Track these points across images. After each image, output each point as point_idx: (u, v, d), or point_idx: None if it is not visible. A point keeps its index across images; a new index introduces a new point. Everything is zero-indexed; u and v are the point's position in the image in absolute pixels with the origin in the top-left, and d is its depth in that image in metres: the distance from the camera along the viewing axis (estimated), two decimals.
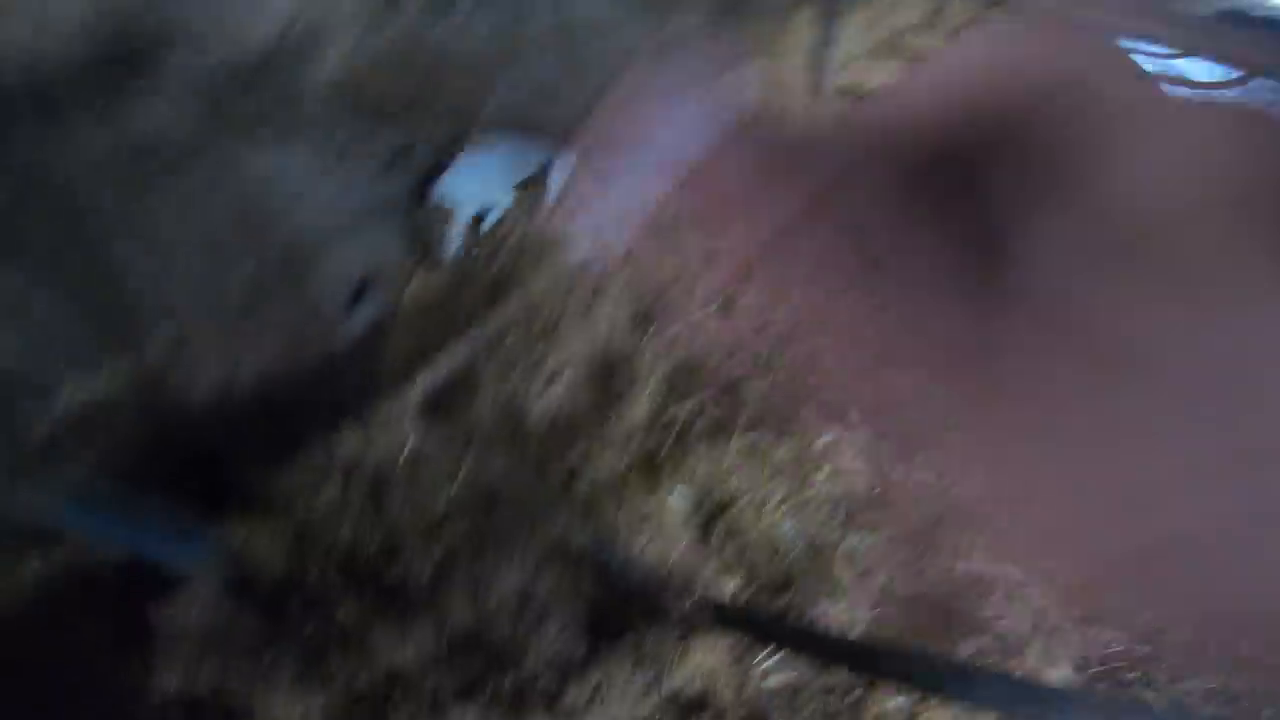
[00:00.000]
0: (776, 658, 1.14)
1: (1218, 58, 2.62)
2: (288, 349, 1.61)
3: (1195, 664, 1.28)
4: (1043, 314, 1.70)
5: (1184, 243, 1.84)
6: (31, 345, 1.26)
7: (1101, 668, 1.24)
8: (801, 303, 1.75)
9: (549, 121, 1.98)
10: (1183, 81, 2.55)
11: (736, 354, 1.66)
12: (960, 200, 1.98)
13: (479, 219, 1.84)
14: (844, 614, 1.23)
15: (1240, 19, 2.89)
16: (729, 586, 1.25)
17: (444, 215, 1.77)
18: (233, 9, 1.54)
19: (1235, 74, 2.60)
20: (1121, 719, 0.94)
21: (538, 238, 1.84)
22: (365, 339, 1.72)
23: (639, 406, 1.55)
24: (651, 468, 1.45)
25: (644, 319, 1.72)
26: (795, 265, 1.85)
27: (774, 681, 1.14)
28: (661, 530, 1.32)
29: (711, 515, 1.36)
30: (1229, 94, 2.51)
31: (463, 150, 1.84)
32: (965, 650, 1.20)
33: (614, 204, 1.96)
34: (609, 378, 1.65)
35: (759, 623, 1.22)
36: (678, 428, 1.49)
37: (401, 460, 1.36)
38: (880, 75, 2.41)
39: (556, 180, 1.90)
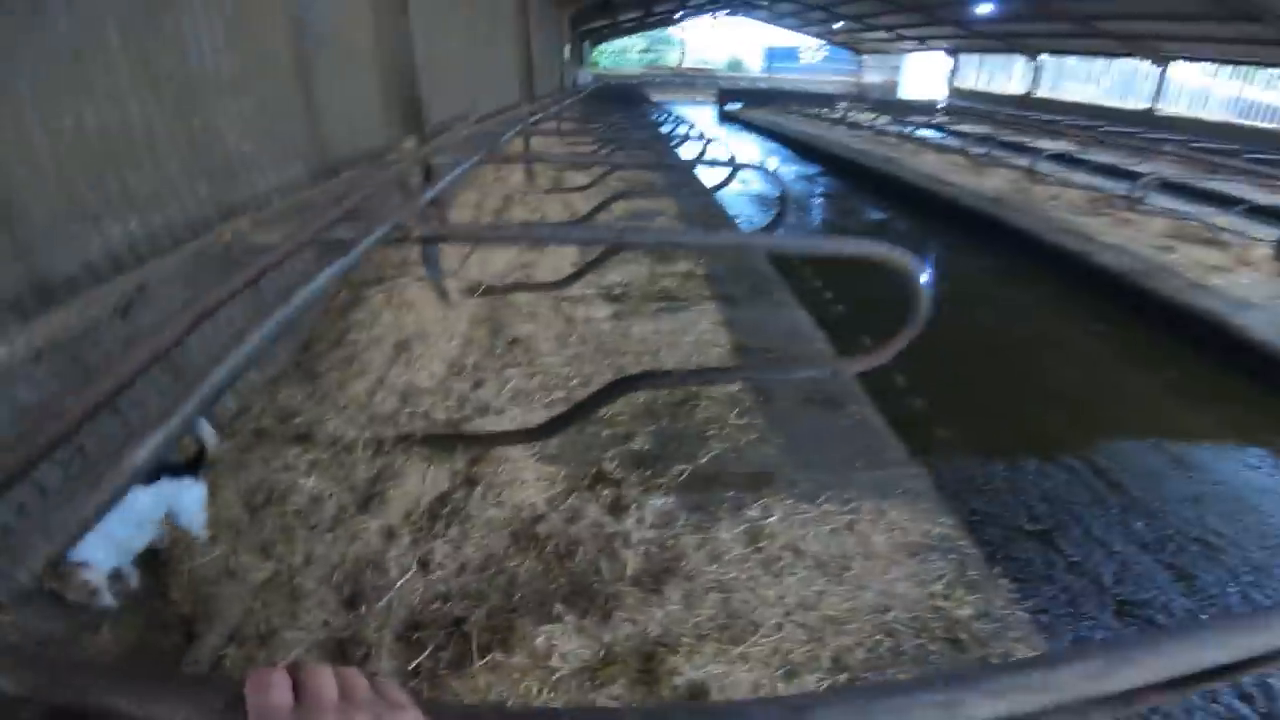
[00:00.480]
0: None
1: None
2: None
3: None
4: None
5: None
6: None
7: None
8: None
9: None
10: None
11: (448, 601, 2.02)
12: None
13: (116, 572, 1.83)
14: None
15: None
16: None
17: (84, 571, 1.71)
18: None
19: None
20: None
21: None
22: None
23: (381, 670, 1.74)
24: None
25: (349, 604, 1.97)
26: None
27: None
28: None
29: None
30: None
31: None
32: None
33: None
34: (343, 653, 1.80)
35: None
36: (425, 671, 1.74)
37: None
38: None
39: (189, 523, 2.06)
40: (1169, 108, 17.05)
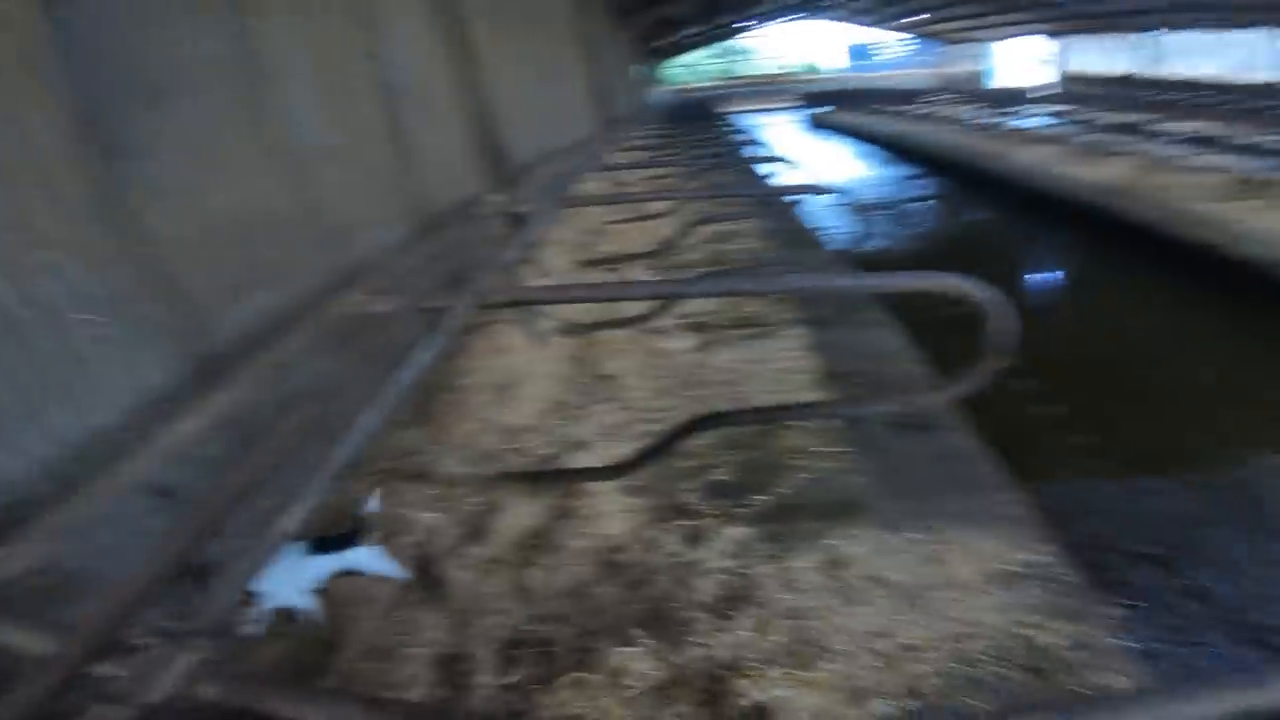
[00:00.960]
0: None
1: None
2: None
3: None
4: None
5: None
6: None
7: None
8: None
9: None
10: None
11: (543, 622, 2.25)
12: None
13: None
14: None
15: None
16: None
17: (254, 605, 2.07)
18: None
19: None
20: None
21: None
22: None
23: (485, 682, 2.00)
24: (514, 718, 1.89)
25: (459, 625, 2.24)
26: None
27: None
28: None
29: None
30: None
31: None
32: None
33: None
34: (450, 670, 2.07)
35: None
36: (520, 687, 1.99)
37: None
38: None
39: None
40: None
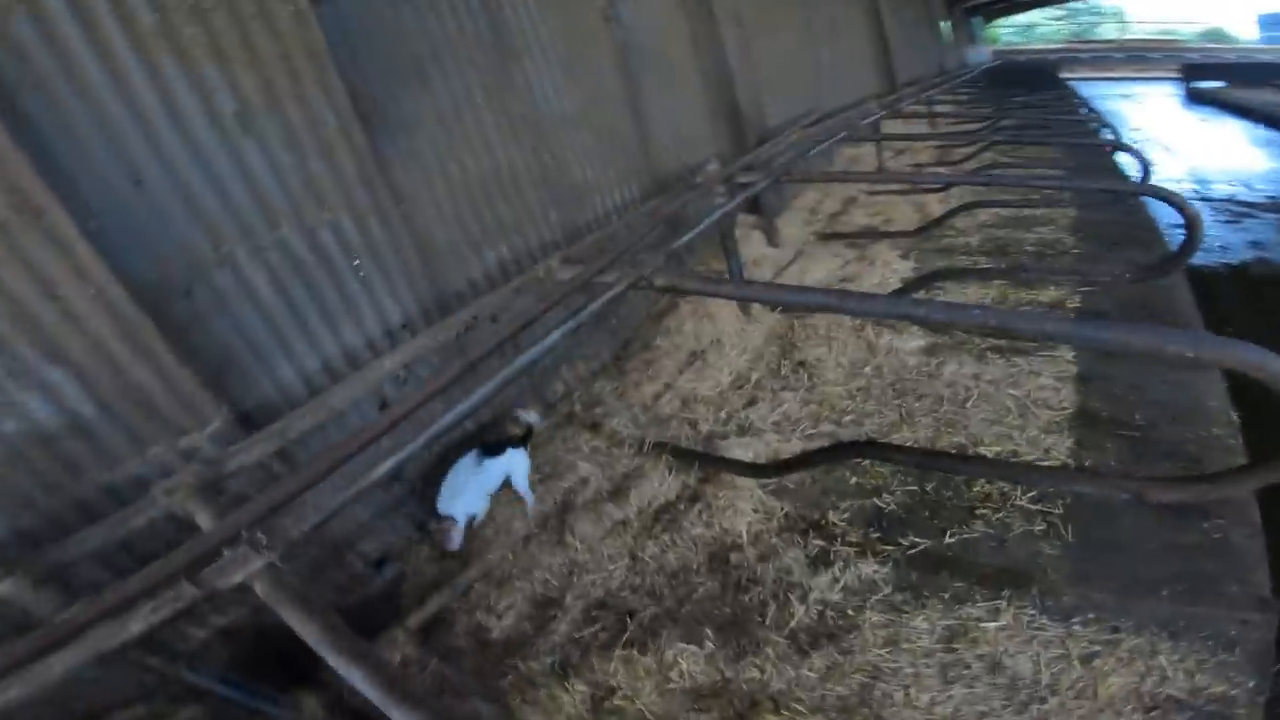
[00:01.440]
0: None
1: None
2: (339, 594, 2.40)
3: None
4: None
5: None
6: None
7: None
8: None
9: None
10: None
11: (635, 592, 2.42)
12: None
13: (471, 521, 2.75)
14: None
15: None
16: None
17: (449, 524, 2.64)
18: None
19: None
20: None
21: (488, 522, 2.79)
22: (387, 589, 2.51)
23: (564, 629, 2.28)
24: (565, 669, 2.13)
25: (569, 572, 2.54)
26: None
27: None
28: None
29: (601, 701, 2.01)
30: None
31: (468, 454, 2.79)
32: None
33: None
34: (550, 607, 2.40)
35: None
36: (584, 644, 2.20)
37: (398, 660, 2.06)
38: None
39: (520, 486, 2.87)
40: None
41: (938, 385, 3.50)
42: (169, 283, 2.17)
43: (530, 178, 3.43)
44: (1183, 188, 7.45)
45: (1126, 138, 9.70)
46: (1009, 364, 3.59)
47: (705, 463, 2.98)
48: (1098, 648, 1.98)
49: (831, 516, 2.69)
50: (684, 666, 2.06)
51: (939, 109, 8.37)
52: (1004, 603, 2.19)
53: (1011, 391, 3.35)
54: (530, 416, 3.15)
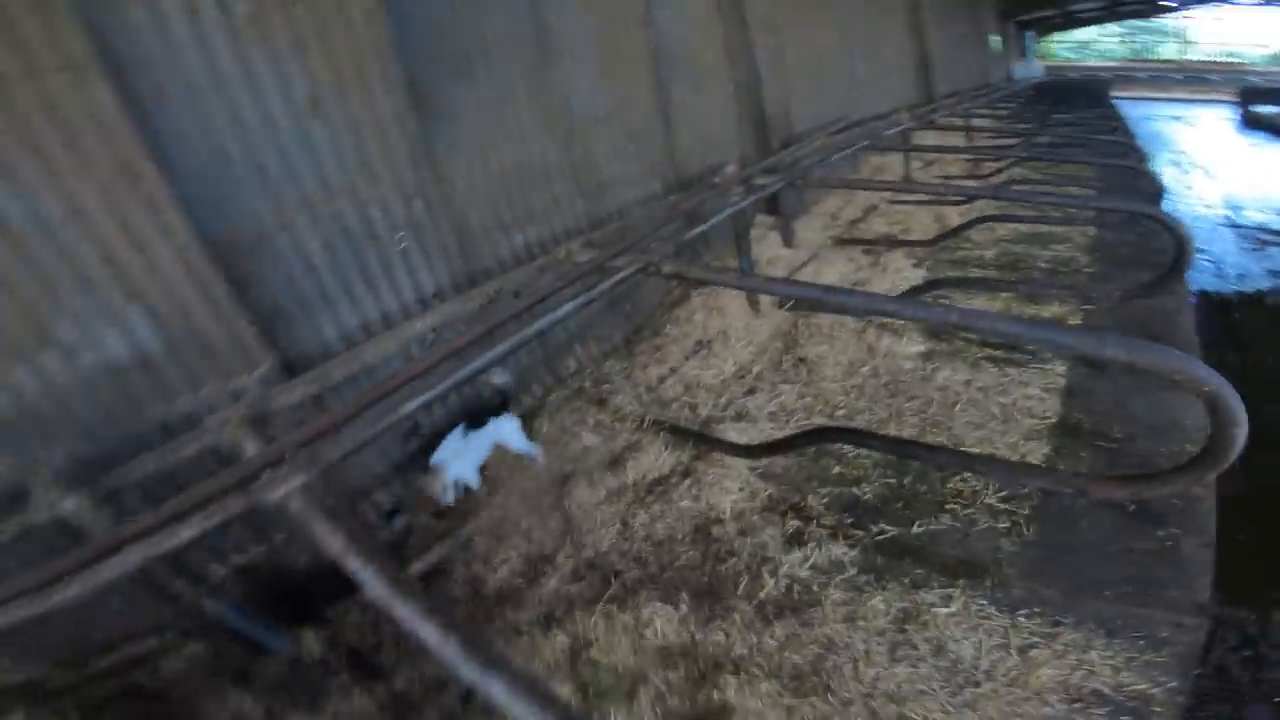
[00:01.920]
0: None
1: None
2: None
3: None
4: None
5: None
6: None
7: None
8: None
9: None
10: None
11: (623, 556, 2.67)
12: None
13: (462, 486, 3.00)
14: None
15: None
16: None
17: (441, 476, 2.88)
18: None
19: None
20: None
21: (493, 482, 3.06)
22: (395, 539, 2.80)
23: (552, 585, 2.54)
24: (549, 620, 2.39)
25: (563, 532, 2.80)
26: None
27: None
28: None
29: (578, 652, 2.27)
30: None
31: (455, 430, 3.05)
32: None
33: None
34: (543, 564, 2.66)
35: None
36: (569, 599, 2.47)
37: None
38: None
39: (518, 446, 3.12)
40: None
41: (929, 388, 3.67)
42: (237, 243, 2.47)
43: (560, 169, 3.67)
44: (1214, 213, 7.39)
45: (1164, 160, 9.56)
46: (1001, 373, 3.75)
47: (699, 442, 3.22)
48: (1037, 640, 2.17)
49: (811, 500, 2.90)
50: (658, 625, 2.30)
51: (976, 122, 8.36)
52: (957, 591, 2.38)
53: (999, 399, 3.52)
54: (500, 378, 3.29)
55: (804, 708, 1.98)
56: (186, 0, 2.25)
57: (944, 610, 2.33)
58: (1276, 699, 2.14)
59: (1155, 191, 4.51)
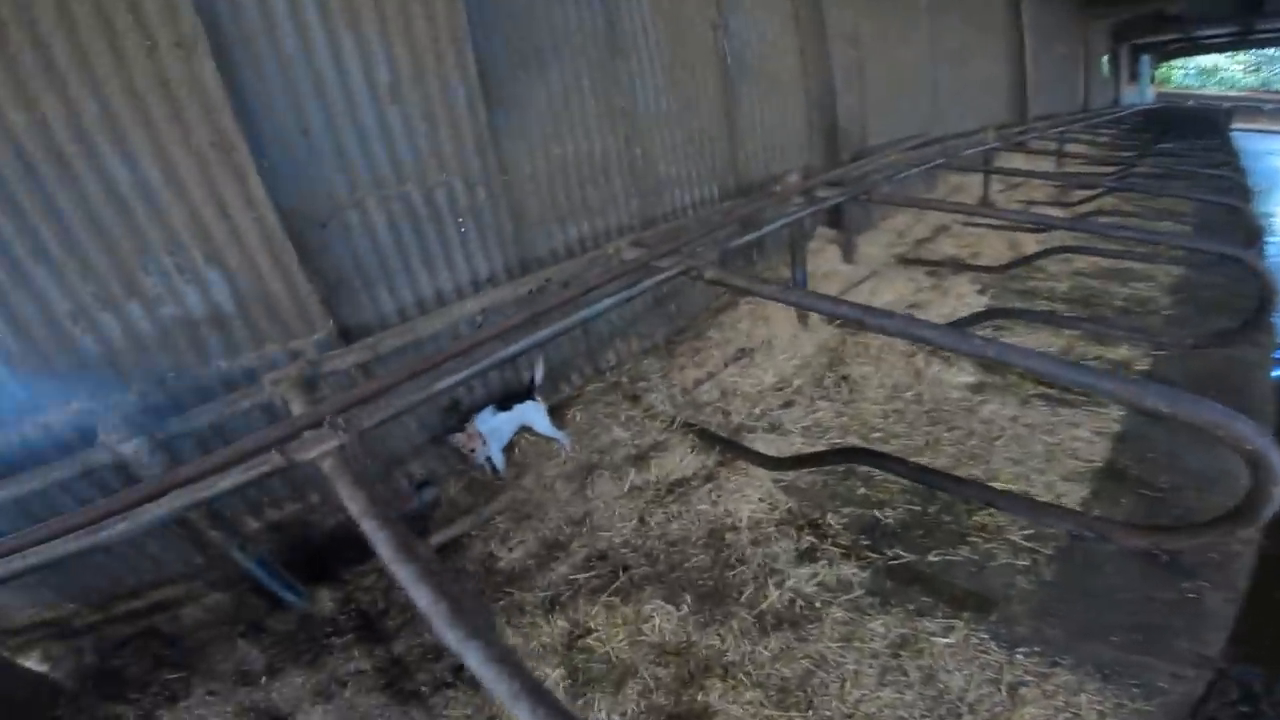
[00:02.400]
0: None
1: None
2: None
3: None
4: None
5: None
6: None
7: None
8: None
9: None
10: None
11: (635, 551, 2.76)
12: None
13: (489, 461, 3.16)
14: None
15: None
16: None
17: (476, 441, 3.03)
18: None
19: None
20: None
21: (520, 466, 3.18)
22: (423, 510, 2.98)
23: (562, 570, 2.65)
24: (554, 604, 2.51)
25: (580, 521, 2.90)
26: None
27: None
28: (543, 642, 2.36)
29: (576, 639, 2.37)
30: None
31: (485, 410, 3.19)
32: None
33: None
34: (555, 549, 2.78)
35: None
36: (576, 586, 2.57)
37: None
38: None
39: (544, 430, 3.25)
40: None
41: (973, 420, 3.57)
42: (311, 215, 2.67)
43: (619, 166, 3.75)
44: None
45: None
46: (1052, 412, 3.61)
47: (726, 448, 3.26)
48: (1030, 678, 2.11)
49: (830, 519, 2.90)
50: (657, 622, 2.37)
51: (1070, 148, 7.90)
52: (960, 623, 2.34)
53: (1045, 438, 3.39)
54: (536, 370, 3.39)
55: None
56: None
57: (942, 640, 2.30)
58: None
59: (1254, 233, 4.17)
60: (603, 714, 2.07)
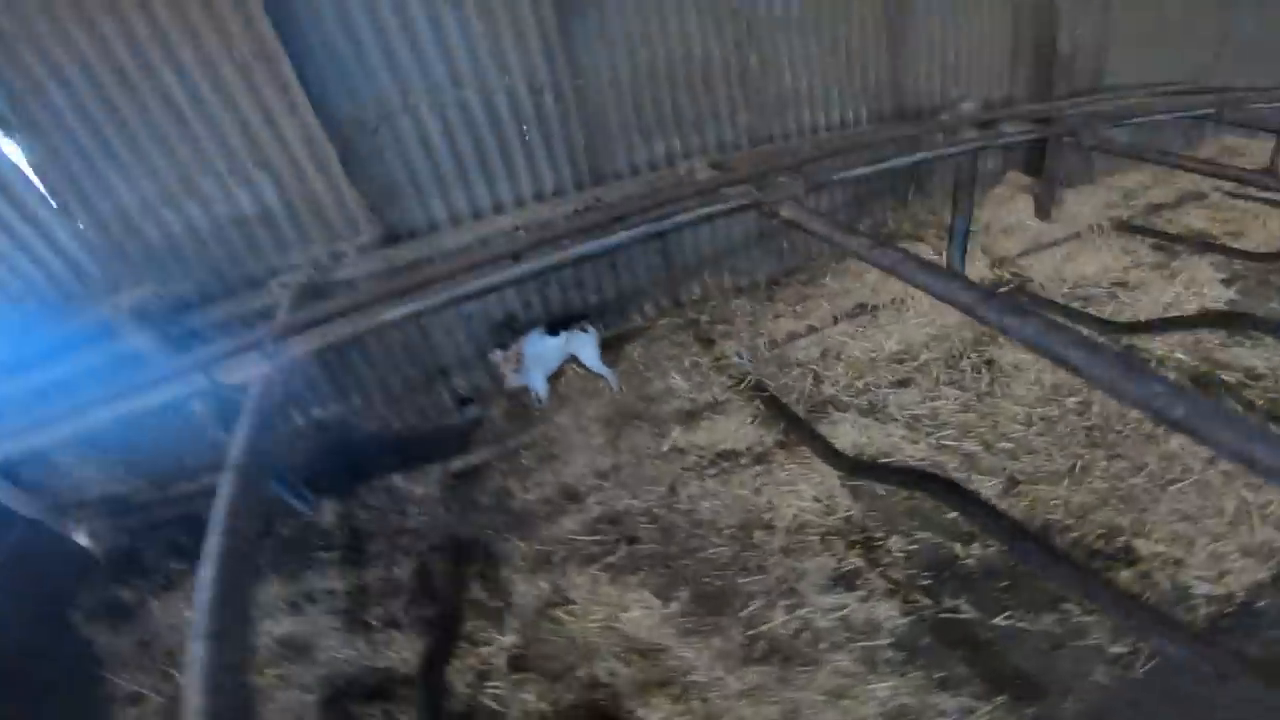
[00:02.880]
0: None
1: None
2: (420, 417, 2.91)
3: None
4: None
5: None
6: None
7: None
8: None
9: None
10: None
11: (652, 523, 2.50)
12: None
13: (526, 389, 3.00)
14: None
15: None
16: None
17: (515, 355, 2.89)
18: None
19: None
20: None
21: (563, 399, 2.98)
22: (461, 429, 2.97)
23: (569, 526, 2.48)
24: (545, 560, 2.36)
25: (605, 475, 2.68)
26: None
27: None
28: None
29: (550, 606, 2.21)
30: None
31: (534, 331, 2.99)
32: None
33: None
34: (570, 500, 2.62)
35: None
36: (574, 548, 2.39)
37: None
38: None
39: (592, 364, 3.00)
40: None
41: (1151, 452, 2.63)
42: (361, 121, 2.58)
43: (725, 74, 3.13)
44: None
45: None
46: None
47: (793, 427, 2.77)
48: None
49: (893, 541, 2.35)
50: (637, 615, 2.12)
51: None
52: (985, 707, 1.80)
53: (1245, 493, 2.40)
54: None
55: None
56: None
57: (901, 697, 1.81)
58: None
59: None
60: (530, 698, 1.92)
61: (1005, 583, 2.17)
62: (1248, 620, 1.96)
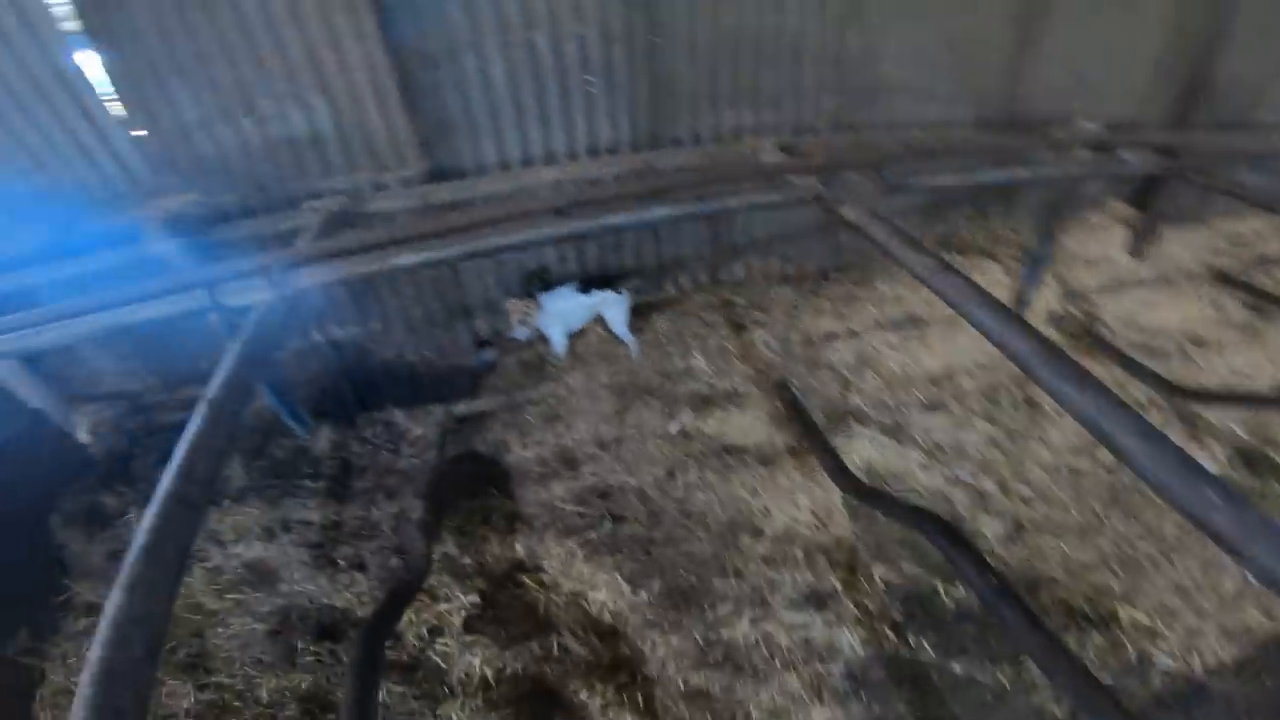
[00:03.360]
0: None
1: None
2: (437, 353, 2.96)
3: None
4: None
5: None
6: None
7: None
8: None
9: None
10: None
11: (641, 503, 2.53)
12: None
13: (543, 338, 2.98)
14: None
15: None
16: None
17: (531, 305, 2.88)
18: None
19: None
20: None
21: (580, 359, 2.98)
22: (475, 372, 3.02)
23: (557, 492, 2.53)
24: (524, 523, 2.43)
25: (606, 446, 2.71)
26: None
27: None
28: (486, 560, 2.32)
29: (519, 569, 2.27)
30: None
31: (565, 285, 2.96)
32: None
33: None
34: (565, 466, 2.66)
35: None
36: (558, 515, 2.45)
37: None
38: None
39: (618, 329, 2.98)
40: None
41: (1169, 520, 2.51)
42: (425, 53, 2.52)
43: (817, 53, 2.88)
44: None
45: None
46: None
47: (807, 435, 2.71)
48: None
49: (878, 568, 2.33)
50: (603, 598, 2.17)
51: None
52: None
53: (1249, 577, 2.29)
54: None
55: None
56: None
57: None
58: None
59: None
60: (475, 661, 2.00)
61: (976, 629, 2.14)
62: (1196, 701, 1.93)
